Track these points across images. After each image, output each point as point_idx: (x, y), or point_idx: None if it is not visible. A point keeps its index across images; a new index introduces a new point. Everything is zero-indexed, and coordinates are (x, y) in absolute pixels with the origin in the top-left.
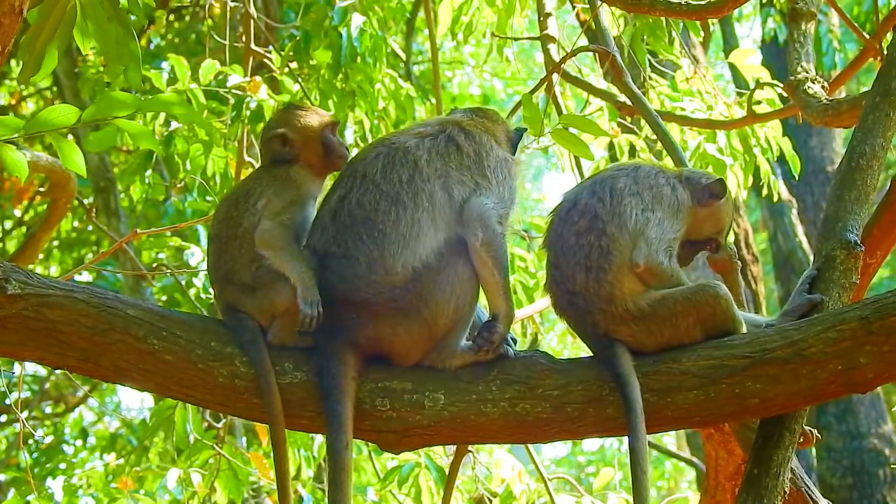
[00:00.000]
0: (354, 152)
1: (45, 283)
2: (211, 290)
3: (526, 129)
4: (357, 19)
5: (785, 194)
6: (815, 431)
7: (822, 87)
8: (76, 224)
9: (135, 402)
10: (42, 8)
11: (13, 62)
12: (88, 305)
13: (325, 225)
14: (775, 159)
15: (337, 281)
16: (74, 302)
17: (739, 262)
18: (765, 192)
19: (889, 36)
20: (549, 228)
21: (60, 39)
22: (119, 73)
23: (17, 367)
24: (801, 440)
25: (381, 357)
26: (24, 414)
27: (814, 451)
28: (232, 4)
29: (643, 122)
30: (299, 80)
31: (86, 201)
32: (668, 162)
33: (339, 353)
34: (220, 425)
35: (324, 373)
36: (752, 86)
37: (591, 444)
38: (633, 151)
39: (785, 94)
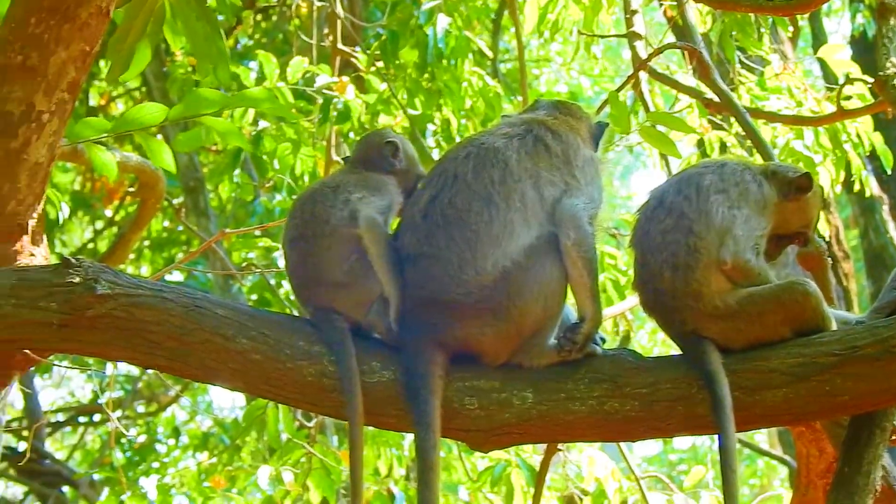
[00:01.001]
0: (436, 154)
1: (133, 283)
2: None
3: (608, 124)
4: (443, 19)
5: (876, 190)
6: None
7: None
8: (166, 224)
9: (226, 401)
10: (130, 8)
11: (102, 63)
12: (177, 305)
13: (416, 224)
14: (866, 155)
15: (427, 281)
16: (163, 301)
17: (830, 258)
18: (856, 187)
19: None
20: (636, 227)
21: (150, 38)
22: (209, 71)
23: (108, 368)
24: (893, 437)
25: (469, 356)
26: (117, 413)
27: None
28: (319, 4)
29: (732, 118)
30: (386, 79)
31: (175, 201)
32: (757, 159)
33: (427, 352)
34: (311, 424)
35: (412, 372)
36: (841, 81)
37: (682, 442)
38: (723, 148)
39: (875, 90)
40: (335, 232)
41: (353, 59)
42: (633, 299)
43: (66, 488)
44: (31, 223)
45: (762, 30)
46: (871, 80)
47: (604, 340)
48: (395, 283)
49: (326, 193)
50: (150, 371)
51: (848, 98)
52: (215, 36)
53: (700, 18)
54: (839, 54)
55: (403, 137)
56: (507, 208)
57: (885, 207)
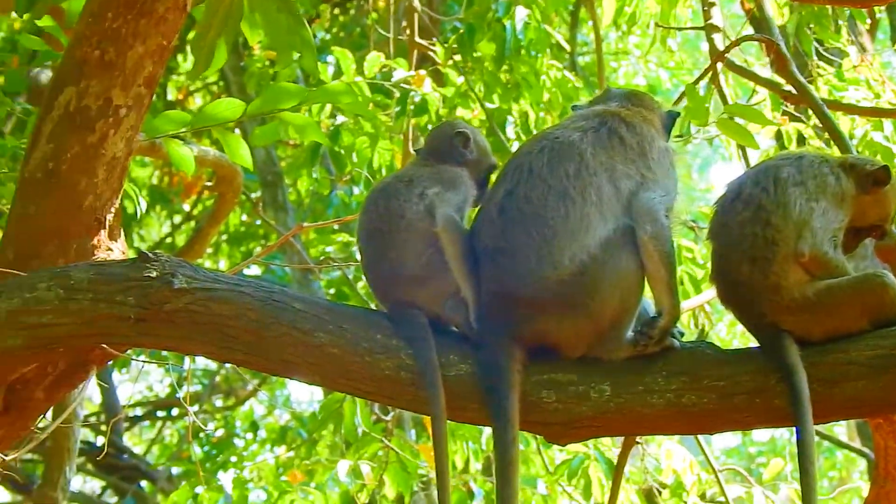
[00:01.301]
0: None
1: (211, 277)
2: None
3: (679, 113)
4: (521, 12)
5: None
6: None
7: None
8: (244, 218)
9: (304, 395)
10: (209, 4)
11: (179, 57)
12: (254, 299)
13: (493, 219)
14: None
15: (504, 276)
16: (240, 296)
17: None
18: None
19: None
20: (713, 219)
21: (228, 33)
22: (290, 63)
23: (186, 362)
24: None
25: (547, 349)
26: (195, 408)
27: None
28: None
29: (810, 111)
30: (463, 72)
31: (253, 195)
32: (835, 151)
33: (505, 346)
34: (388, 418)
35: (490, 366)
36: None
37: (761, 434)
38: (801, 140)
39: None
40: (411, 226)
41: (430, 53)
42: (710, 292)
43: (144, 483)
44: (109, 218)
45: (839, 22)
46: None
47: (682, 334)
48: (472, 283)
49: (400, 188)
50: (227, 365)
51: None
52: (299, 26)
53: (777, 10)
54: None
55: (474, 128)
56: (584, 202)
57: None
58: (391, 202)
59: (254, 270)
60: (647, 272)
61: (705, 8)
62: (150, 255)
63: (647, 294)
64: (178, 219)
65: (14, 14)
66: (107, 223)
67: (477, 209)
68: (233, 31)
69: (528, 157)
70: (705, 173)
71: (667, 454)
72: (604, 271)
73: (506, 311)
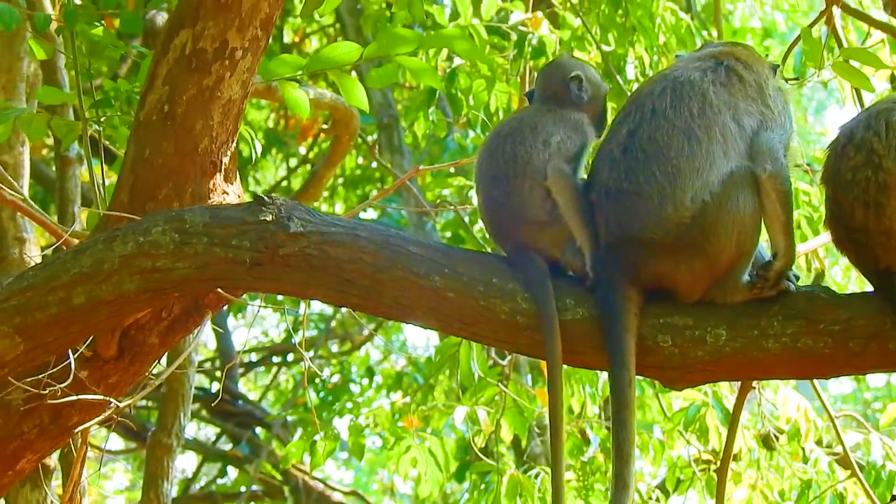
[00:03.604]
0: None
1: (327, 221)
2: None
3: (779, 66)
4: None
5: None
6: None
7: None
8: (360, 161)
9: (420, 340)
10: None
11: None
12: (370, 242)
13: (615, 160)
14: None
15: (625, 217)
16: (356, 239)
17: None
18: None
19: None
20: (826, 164)
21: None
22: (404, 5)
23: (301, 307)
24: None
25: (663, 293)
26: (310, 353)
27: None
28: None
29: None
30: (580, 14)
31: (369, 138)
32: None
33: (623, 289)
34: (505, 363)
35: (606, 309)
36: None
37: (877, 379)
38: None
39: None
40: (536, 173)
41: None
42: (825, 236)
43: (258, 429)
44: (225, 161)
45: None
46: None
47: (798, 277)
48: (587, 231)
49: (525, 133)
50: (343, 309)
51: None
52: None
53: None
54: None
55: (584, 64)
56: (709, 141)
57: None
58: (518, 148)
59: (370, 214)
60: (764, 212)
61: None
62: (266, 198)
63: (763, 238)
64: (293, 162)
65: None
66: (222, 166)
67: (596, 149)
68: None
69: (649, 98)
70: (820, 116)
71: (783, 401)
72: (722, 212)
73: (624, 253)
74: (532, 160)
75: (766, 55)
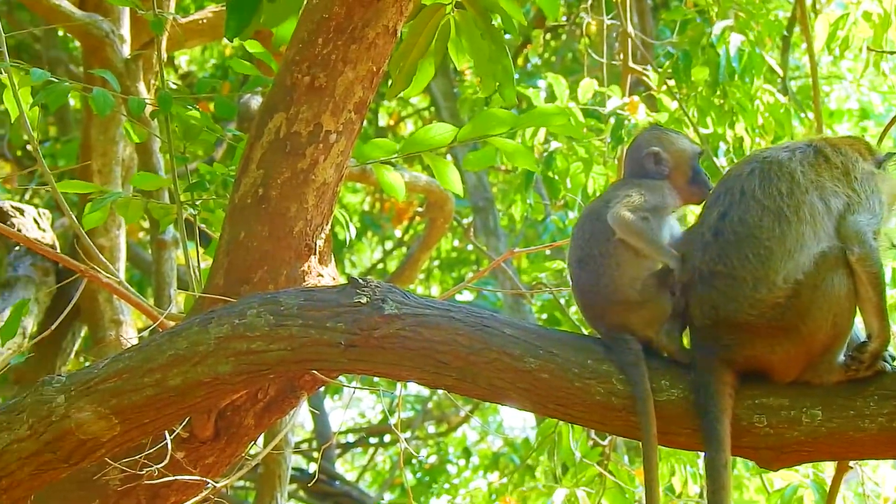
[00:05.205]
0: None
1: (421, 303)
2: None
3: (892, 154)
4: (735, 39)
5: None
6: None
7: None
8: (455, 243)
9: (517, 421)
10: (414, 24)
11: (390, 82)
12: (465, 324)
13: (708, 242)
14: None
15: (719, 299)
16: (451, 321)
17: None
18: None
19: None
20: None
21: (434, 56)
22: (493, 90)
23: (398, 388)
24: None
25: (757, 373)
26: (407, 434)
27: None
28: (608, 22)
29: None
30: (678, 98)
31: (465, 221)
32: None
33: (718, 371)
34: (605, 443)
35: (702, 391)
36: None
37: None
38: None
39: None
40: (619, 247)
41: (643, 78)
42: None
43: None
44: (320, 244)
45: None
46: None
47: (894, 358)
48: (668, 252)
49: (601, 209)
50: (440, 391)
51: None
52: (501, 55)
53: None
54: None
55: (661, 132)
56: (798, 221)
57: None
58: (595, 225)
59: (466, 296)
60: (856, 294)
61: None
62: (361, 280)
63: (857, 319)
64: (389, 244)
65: (225, 41)
66: (317, 249)
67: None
68: (439, 52)
69: (738, 180)
70: None
71: (882, 480)
72: (817, 293)
73: (719, 335)
74: (611, 236)
75: (862, 135)
